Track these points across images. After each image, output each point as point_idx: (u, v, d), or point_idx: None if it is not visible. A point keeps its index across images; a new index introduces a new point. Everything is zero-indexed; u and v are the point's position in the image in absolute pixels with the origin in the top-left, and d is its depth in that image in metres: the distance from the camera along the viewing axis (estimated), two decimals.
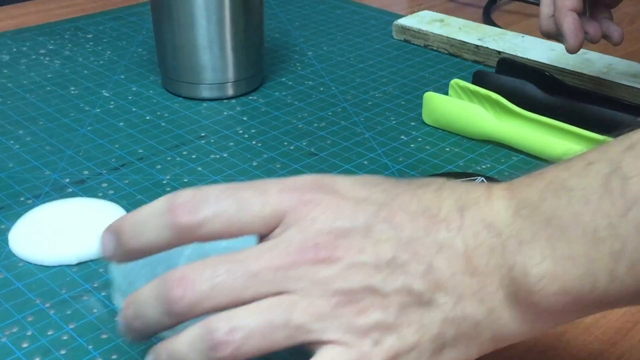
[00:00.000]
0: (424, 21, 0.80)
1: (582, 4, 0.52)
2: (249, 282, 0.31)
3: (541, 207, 0.31)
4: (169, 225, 0.32)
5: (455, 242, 0.32)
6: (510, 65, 0.65)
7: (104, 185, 0.53)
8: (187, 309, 0.31)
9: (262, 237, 0.33)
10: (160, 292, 0.31)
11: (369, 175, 0.35)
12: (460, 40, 0.75)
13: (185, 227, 0.32)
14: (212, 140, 0.60)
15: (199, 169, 0.56)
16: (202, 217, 0.32)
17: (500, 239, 0.32)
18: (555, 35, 0.57)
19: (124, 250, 0.34)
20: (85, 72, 0.71)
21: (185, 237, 0.33)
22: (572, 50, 0.55)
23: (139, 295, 0.33)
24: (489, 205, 0.33)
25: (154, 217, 0.33)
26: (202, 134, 0.61)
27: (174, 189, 0.53)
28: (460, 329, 0.32)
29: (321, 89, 0.69)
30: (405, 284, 0.31)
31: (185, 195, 0.33)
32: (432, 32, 0.77)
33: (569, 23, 0.52)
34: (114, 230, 0.34)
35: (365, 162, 0.56)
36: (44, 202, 0.51)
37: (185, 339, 0.31)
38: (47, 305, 0.42)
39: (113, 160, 0.57)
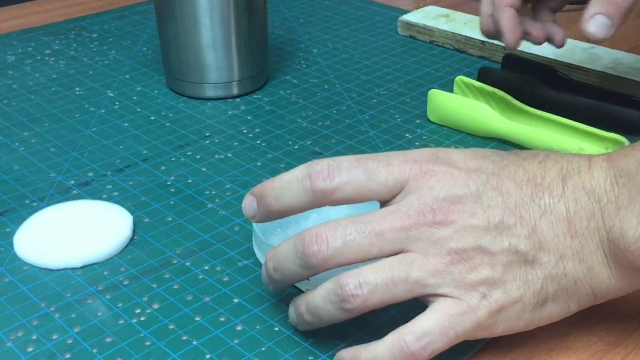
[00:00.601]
0: (429, 17, 0.79)
1: (521, 2, 0.52)
2: (374, 241, 0.36)
3: (638, 176, 0.35)
4: (307, 189, 0.38)
5: (558, 207, 0.37)
6: (515, 61, 0.65)
7: (109, 187, 0.53)
8: (321, 263, 0.37)
9: (384, 203, 0.38)
10: (299, 247, 0.37)
11: (478, 148, 0.41)
12: (466, 36, 0.75)
13: (321, 191, 0.38)
14: (216, 140, 0.60)
15: (204, 169, 0.56)
16: (337, 184, 0.37)
17: (599, 205, 0.36)
18: (494, 34, 0.57)
19: (266, 211, 0.39)
20: (90, 72, 0.71)
21: (321, 200, 0.38)
22: (510, 47, 0.55)
23: (279, 251, 0.39)
24: (590, 174, 0.37)
25: (294, 182, 0.38)
26: (207, 134, 0.61)
27: (179, 190, 0.53)
28: (561, 285, 0.37)
29: (326, 86, 0.68)
30: (511, 244, 0.36)
31: (321, 164, 0.38)
32: (437, 28, 0.77)
33: (506, 19, 0.52)
34: (256, 194, 0.40)
35: None
36: (49, 204, 0.51)
37: (321, 293, 0.37)
38: (52, 308, 0.42)
39: (117, 161, 0.57)
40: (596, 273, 0.37)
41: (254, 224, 0.44)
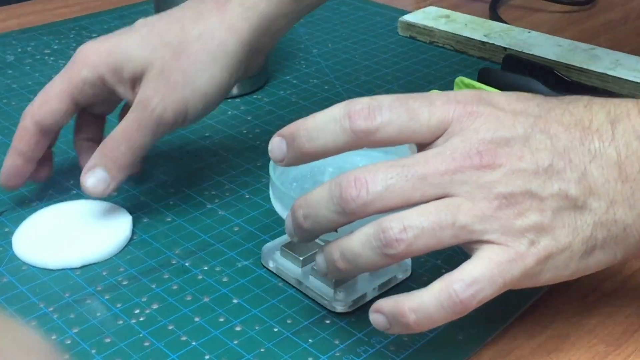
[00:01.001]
0: (430, 17, 0.79)
1: (38, 152, 0.49)
2: (417, 185, 0.34)
3: None
4: (347, 129, 0.35)
5: (608, 152, 0.35)
6: (516, 62, 0.65)
7: None
8: (360, 208, 0.34)
9: (423, 146, 0.36)
10: (336, 192, 0.35)
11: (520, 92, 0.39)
12: (466, 37, 0.75)
13: (362, 131, 0.35)
14: (216, 141, 0.59)
15: (203, 169, 0.56)
16: (378, 123, 0.35)
17: None
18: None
19: (298, 153, 0.37)
20: None
21: (361, 141, 0.36)
22: (6, 187, 0.50)
23: (311, 197, 0.36)
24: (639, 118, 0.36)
25: (332, 122, 0.36)
26: (206, 134, 0.60)
27: (178, 190, 0.53)
28: (610, 232, 0.36)
29: (326, 87, 0.68)
30: (561, 189, 0.35)
31: (362, 103, 0.36)
32: (437, 29, 0.77)
33: (9, 164, 0.48)
34: (286, 135, 0.37)
35: None
36: (48, 204, 0.51)
37: (359, 237, 0.35)
38: (51, 309, 0.42)
39: None
40: None
41: (273, 177, 0.41)
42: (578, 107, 0.37)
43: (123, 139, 0.46)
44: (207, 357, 0.39)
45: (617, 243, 0.36)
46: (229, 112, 0.64)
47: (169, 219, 0.50)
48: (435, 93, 0.37)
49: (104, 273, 0.45)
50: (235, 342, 0.40)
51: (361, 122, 0.35)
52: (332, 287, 0.42)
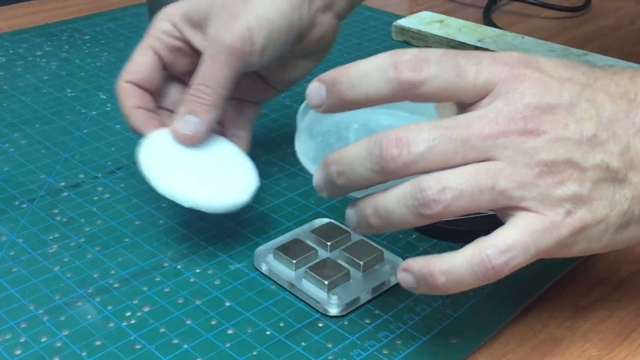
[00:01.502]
0: (424, 22, 0.79)
1: (149, 104, 0.48)
2: (460, 148, 0.34)
3: None
4: (392, 79, 0.35)
5: None
6: None
7: (100, 189, 0.53)
8: (400, 168, 0.34)
9: (466, 106, 0.36)
10: (375, 150, 0.34)
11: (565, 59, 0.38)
12: (460, 42, 0.75)
13: (408, 82, 0.35)
14: None
15: None
16: (425, 76, 0.34)
17: None
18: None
19: (337, 100, 0.36)
20: (82, 74, 0.71)
21: (406, 93, 0.35)
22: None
23: (348, 153, 0.35)
24: None
25: (376, 70, 0.35)
26: None
27: None
28: None
29: None
30: (603, 160, 0.34)
31: (409, 54, 0.35)
32: (431, 33, 0.77)
33: (136, 118, 0.48)
34: (327, 80, 0.36)
35: None
36: (38, 206, 0.51)
37: (395, 195, 0.35)
38: (41, 311, 0.42)
39: (109, 163, 0.56)
40: None
41: (301, 127, 0.41)
42: (624, 78, 0.36)
43: (203, 79, 0.46)
44: None
45: None
46: None
47: (161, 222, 0.50)
48: (482, 52, 0.36)
49: (95, 275, 0.45)
50: (227, 345, 0.40)
51: (407, 73, 0.34)
52: (325, 291, 0.42)
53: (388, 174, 0.34)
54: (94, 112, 0.64)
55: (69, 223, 0.49)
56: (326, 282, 0.42)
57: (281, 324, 0.41)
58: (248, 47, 0.46)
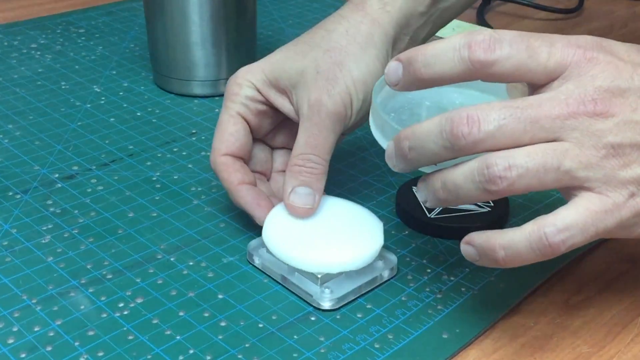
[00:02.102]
0: None
1: (251, 177, 0.48)
2: (529, 128, 0.34)
3: None
4: (465, 59, 0.35)
5: None
6: None
7: (93, 181, 0.53)
8: (470, 145, 0.35)
9: (538, 88, 0.36)
10: (446, 127, 0.35)
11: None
12: None
13: (480, 62, 0.35)
14: (203, 138, 0.59)
15: (190, 166, 0.55)
16: (497, 57, 0.35)
17: None
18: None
19: (413, 78, 0.37)
20: (77, 67, 0.71)
21: (478, 72, 0.36)
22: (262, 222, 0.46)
23: (420, 129, 0.36)
24: None
25: (450, 50, 0.36)
26: (193, 131, 0.60)
27: (164, 186, 0.53)
28: None
29: None
30: None
31: (483, 34, 0.36)
32: None
33: (244, 197, 0.46)
34: (404, 59, 0.37)
35: (359, 162, 0.56)
36: (31, 197, 0.50)
37: (463, 170, 0.36)
38: (34, 301, 0.42)
39: (103, 156, 0.56)
40: None
41: (376, 103, 0.41)
42: None
43: (311, 149, 0.45)
44: (191, 351, 0.39)
45: None
46: (216, 110, 0.64)
47: (155, 214, 0.50)
48: (555, 35, 0.37)
49: (89, 266, 0.45)
50: (220, 337, 0.40)
51: (480, 53, 0.35)
52: (318, 284, 0.42)
53: (458, 151, 0.35)
54: (88, 105, 0.64)
55: (63, 214, 0.49)
56: (319, 276, 0.42)
57: (274, 317, 0.41)
58: (348, 112, 0.46)
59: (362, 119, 0.47)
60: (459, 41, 0.36)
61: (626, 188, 0.35)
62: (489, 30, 0.36)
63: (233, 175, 0.47)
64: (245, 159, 0.48)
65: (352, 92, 0.46)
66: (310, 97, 0.45)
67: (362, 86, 0.46)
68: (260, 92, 0.48)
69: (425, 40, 0.52)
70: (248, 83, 0.48)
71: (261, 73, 0.48)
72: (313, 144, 0.45)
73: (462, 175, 0.36)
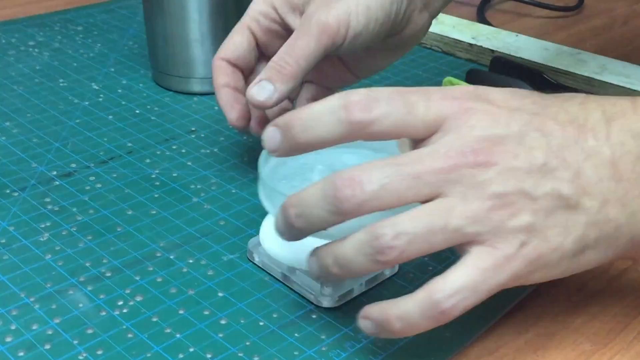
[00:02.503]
0: None
1: (237, 81, 0.50)
2: (412, 184, 0.34)
3: None
4: (342, 120, 0.35)
5: (603, 150, 0.35)
6: (503, 64, 0.65)
7: (92, 178, 0.53)
8: (355, 208, 0.34)
9: (418, 142, 0.36)
10: (329, 191, 0.34)
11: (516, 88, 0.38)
12: (454, 39, 0.75)
13: (358, 123, 0.35)
14: (202, 135, 0.59)
15: (189, 163, 0.55)
16: (375, 116, 0.35)
17: None
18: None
19: (291, 144, 0.36)
20: (75, 64, 0.70)
21: (357, 133, 0.35)
22: (233, 123, 0.50)
23: (304, 196, 0.35)
24: (636, 116, 0.35)
25: (328, 113, 0.35)
26: (193, 129, 0.60)
27: (163, 183, 0.52)
28: (602, 232, 0.35)
29: None
30: (554, 188, 0.34)
31: (359, 94, 0.35)
32: None
33: (222, 98, 0.49)
34: (281, 125, 0.36)
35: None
36: (29, 194, 0.50)
37: (351, 244, 0.35)
38: (32, 299, 0.41)
39: (101, 153, 0.56)
40: (638, 219, 0.35)
41: (263, 174, 0.41)
42: (574, 105, 0.36)
43: (287, 49, 0.46)
44: (191, 349, 0.39)
45: (608, 243, 0.36)
46: (216, 107, 0.64)
47: (154, 212, 0.49)
48: (432, 88, 0.36)
49: (87, 264, 0.44)
50: (220, 335, 0.40)
51: (358, 113, 0.35)
52: (319, 282, 0.42)
53: (344, 214, 0.34)
54: (86, 103, 0.63)
55: (61, 212, 0.49)
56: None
57: (274, 315, 0.41)
58: (342, 30, 0.46)
59: (362, 46, 0.47)
60: (335, 102, 0.35)
61: (516, 237, 0.34)
62: (364, 89, 0.35)
63: (221, 77, 0.49)
64: (244, 69, 0.50)
65: (352, 12, 0.46)
66: (309, 8, 0.46)
67: (365, 11, 0.46)
68: (275, 10, 0.49)
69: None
70: (265, 1, 0.49)
71: None
72: (293, 46, 0.46)
73: (352, 249, 0.35)
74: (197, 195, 0.51)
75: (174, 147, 0.57)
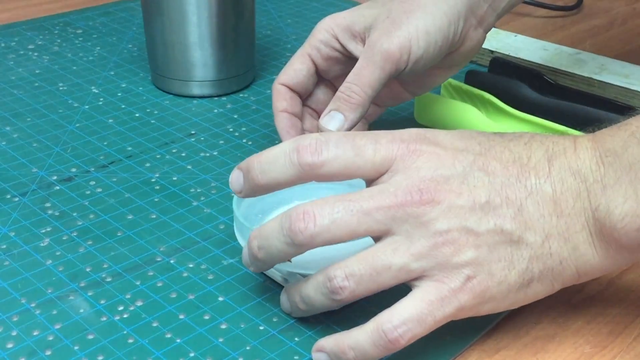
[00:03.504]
0: None
1: (296, 107, 0.52)
2: (362, 219, 0.36)
3: (624, 155, 0.35)
4: (295, 163, 0.37)
5: (544, 188, 0.36)
6: (503, 65, 0.65)
7: (92, 183, 0.53)
8: (308, 240, 0.36)
9: (369, 182, 0.38)
10: (285, 225, 0.37)
11: (465, 130, 0.40)
12: None
13: (308, 165, 0.37)
14: (202, 138, 0.59)
15: (189, 167, 0.55)
16: (324, 158, 0.37)
17: (585, 184, 0.36)
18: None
19: (252, 186, 0.39)
20: (74, 68, 0.70)
21: (308, 174, 0.38)
22: None
23: (265, 229, 0.38)
24: (575, 155, 0.37)
25: (280, 156, 0.38)
26: (192, 132, 0.60)
27: (163, 187, 0.52)
28: (546, 265, 0.37)
29: None
30: (497, 224, 0.36)
31: (309, 138, 0.38)
32: None
33: (280, 122, 0.51)
34: (243, 168, 0.39)
35: None
36: (29, 199, 0.50)
37: (312, 284, 0.38)
38: (33, 305, 0.42)
39: (101, 157, 0.56)
40: (581, 252, 0.37)
41: (236, 210, 0.43)
42: (519, 144, 0.38)
43: (354, 78, 0.48)
44: (192, 354, 0.39)
45: (553, 275, 0.37)
46: (215, 110, 0.64)
47: (154, 216, 0.49)
48: (381, 132, 0.38)
49: (88, 270, 0.44)
50: (221, 340, 0.40)
51: (308, 156, 0.37)
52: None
53: (299, 246, 0.37)
54: (86, 106, 0.63)
55: (61, 217, 0.49)
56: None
57: (274, 319, 0.41)
58: (405, 56, 0.47)
59: (422, 69, 0.49)
60: (288, 146, 0.38)
61: (461, 272, 0.36)
62: (315, 134, 0.38)
63: (280, 102, 0.51)
64: (302, 94, 0.52)
65: (413, 39, 0.47)
66: (372, 36, 0.48)
67: (425, 36, 0.47)
68: (336, 38, 0.50)
69: (505, 11, 0.52)
70: (327, 27, 0.51)
71: (342, 19, 0.51)
72: (358, 75, 0.48)
73: (312, 289, 0.38)
74: (197, 199, 0.51)
75: (174, 150, 0.57)
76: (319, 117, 0.52)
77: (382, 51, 0.47)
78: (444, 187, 0.36)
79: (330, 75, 0.53)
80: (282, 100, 0.51)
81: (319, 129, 0.48)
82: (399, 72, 0.48)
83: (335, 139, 0.38)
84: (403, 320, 0.35)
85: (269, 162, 0.38)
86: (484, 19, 0.51)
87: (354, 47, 0.50)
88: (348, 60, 0.51)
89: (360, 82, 0.47)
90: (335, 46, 0.51)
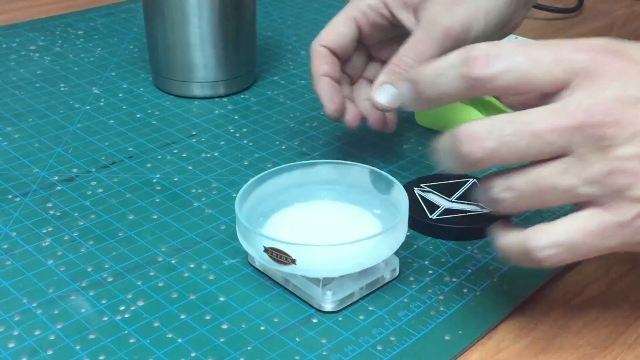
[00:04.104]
0: None
1: (338, 73, 0.50)
2: (533, 143, 0.33)
3: None
4: (464, 76, 0.34)
5: None
6: None
7: (93, 183, 0.53)
8: (474, 163, 0.34)
9: (546, 97, 0.35)
10: (453, 146, 0.35)
11: None
12: None
13: (479, 79, 0.34)
14: (203, 139, 0.59)
15: (190, 167, 0.55)
16: (496, 71, 0.34)
17: None
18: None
19: (420, 99, 0.37)
20: (76, 68, 0.71)
21: (478, 88, 0.35)
22: (330, 113, 0.50)
23: (440, 140, 0.36)
24: None
25: (449, 68, 0.35)
26: (193, 133, 0.60)
27: (164, 188, 0.53)
28: None
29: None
30: None
31: (480, 49, 0.35)
32: None
33: (323, 87, 0.49)
34: (411, 80, 0.37)
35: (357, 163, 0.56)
36: (31, 199, 0.50)
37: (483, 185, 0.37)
38: (34, 304, 0.42)
39: (103, 158, 0.56)
40: None
41: (238, 214, 0.42)
42: None
43: (410, 51, 0.46)
44: (193, 354, 0.39)
45: None
46: (216, 111, 0.64)
47: (155, 217, 0.49)
48: (562, 40, 0.35)
49: (89, 269, 0.44)
50: (222, 340, 0.40)
51: (478, 69, 0.34)
52: (319, 286, 0.42)
53: (469, 167, 0.35)
54: (88, 107, 0.64)
55: (63, 217, 0.49)
56: (320, 279, 0.42)
57: (275, 320, 0.41)
58: (463, 35, 0.46)
59: (480, 40, 0.47)
60: (457, 58, 0.35)
61: (633, 208, 0.33)
62: (487, 44, 0.35)
63: (321, 65, 0.49)
64: (342, 58, 0.50)
65: (473, 17, 0.46)
66: (432, 10, 0.47)
67: (484, 16, 0.47)
68: (387, 5, 0.49)
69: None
70: None
71: None
72: (415, 48, 0.46)
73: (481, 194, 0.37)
74: (198, 200, 0.51)
75: (175, 151, 0.57)
76: (353, 83, 0.51)
77: (442, 26, 0.46)
78: (632, 110, 0.32)
79: (371, 42, 0.51)
80: (323, 64, 0.49)
81: (371, 101, 0.47)
82: (455, 47, 0.47)
83: (508, 49, 0.34)
84: (552, 243, 0.34)
85: (436, 74, 0.36)
86: (529, 1, 0.51)
87: (405, 17, 0.48)
88: (393, 29, 0.49)
89: (415, 55, 0.46)
90: (384, 13, 0.49)
